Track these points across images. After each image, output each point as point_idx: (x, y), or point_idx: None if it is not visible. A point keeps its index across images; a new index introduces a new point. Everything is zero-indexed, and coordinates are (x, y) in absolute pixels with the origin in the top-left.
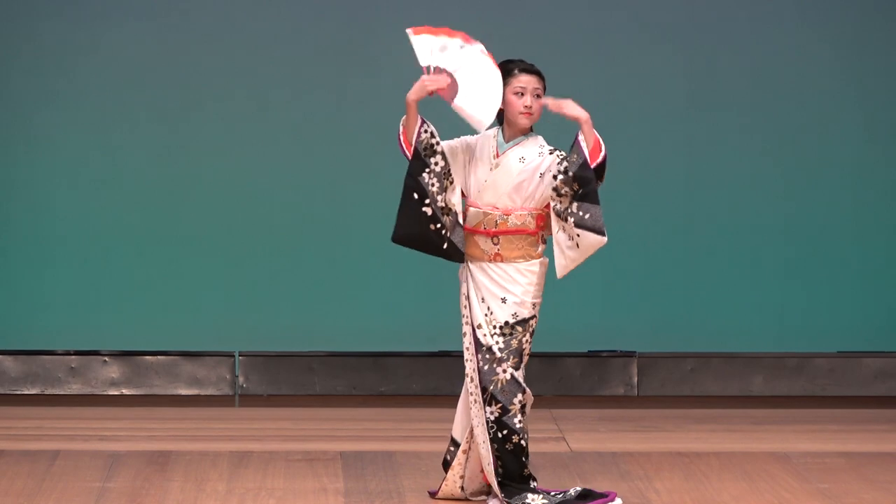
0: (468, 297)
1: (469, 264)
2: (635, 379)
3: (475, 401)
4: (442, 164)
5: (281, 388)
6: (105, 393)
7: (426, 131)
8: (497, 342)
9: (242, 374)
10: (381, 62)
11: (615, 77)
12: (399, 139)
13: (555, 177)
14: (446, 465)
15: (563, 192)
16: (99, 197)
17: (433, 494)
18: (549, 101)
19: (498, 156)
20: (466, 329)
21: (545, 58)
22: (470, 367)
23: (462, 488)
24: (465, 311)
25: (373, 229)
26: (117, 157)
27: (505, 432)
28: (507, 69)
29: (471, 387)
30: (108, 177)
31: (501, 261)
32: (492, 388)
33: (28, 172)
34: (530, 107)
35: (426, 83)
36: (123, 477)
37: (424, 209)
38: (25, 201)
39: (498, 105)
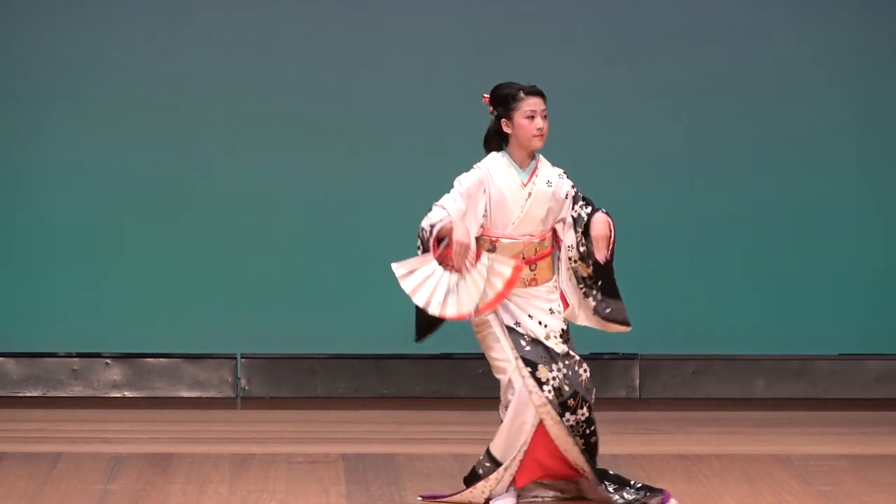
0: (517, 322)
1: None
2: (637, 381)
3: (554, 411)
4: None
5: (283, 391)
6: (107, 395)
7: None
8: (571, 346)
9: (244, 376)
10: (382, 67)
11: (616, 79)
12: (425, 234)
13: (581, 221)
14: (476, 477)
15: (581, 250)
16: (101, 200)
17: (434, 498)
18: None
19: (525, 185)
20: (528, 347)
21: (541, 60)
22: (550, 376)
23: (488, 500)
24: (521, 329)
25: (374, 231)
26: (119, 161)
27: (592, 428)
28: (512, 94)
29: (548, 396)
30: (109, 180)
31: (536, 284)
32: (582, 390)
33: (31, 176)
34: (542, 128)
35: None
36: (125, 479)
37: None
38: (28, 205)
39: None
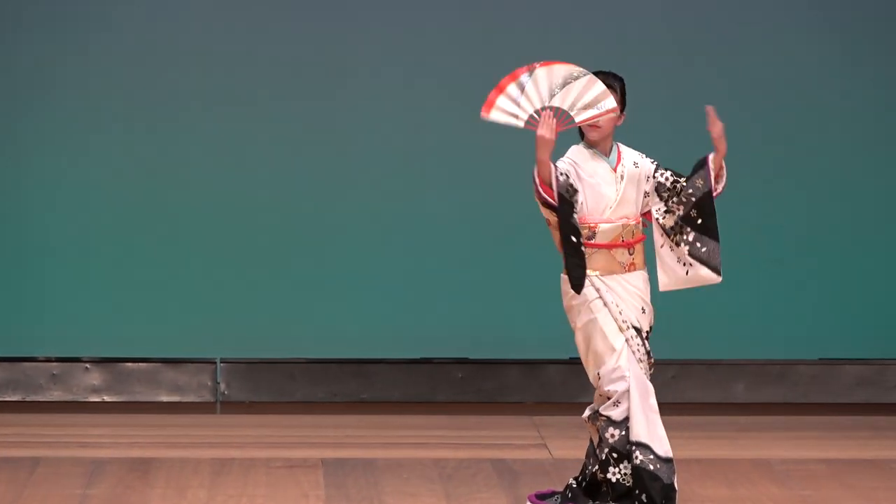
0: (618, 306)
1: (602, 278)
2: None
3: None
4: (580, 199)
5: (262, 395)
6: (86, 400)
7: (562, 174)
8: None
9: (224, 381)
10: (369, 67)
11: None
12: (537, 188)
13: (663, 187)
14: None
15: (671, 207)
16: (80, 204)
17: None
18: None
19: (616, 170)
20: (628, 334)
21: (527, 59)
22: (644, 369)
23: None
24: (622, 316)
25: (354, 236)
26: (98, 165)
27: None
28: None
29: (643, 390)
30: (88, 184)
31: (634, 269)
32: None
33: (9, 179)
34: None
35: (545, 135)
36: (105, 484)
37: (582, 248)
38: (7, 209)
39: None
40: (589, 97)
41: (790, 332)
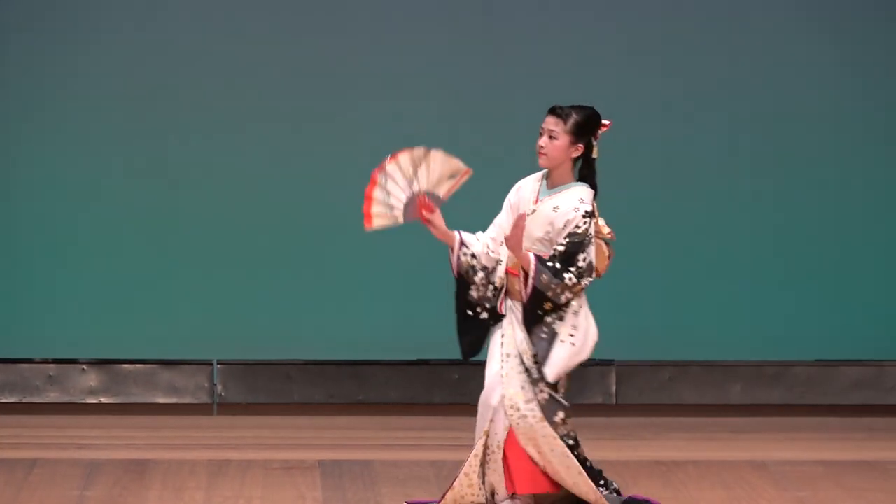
0: (503, 328)
1: (508, 300)
2: (613, 387)
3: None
4: (483, 275)
5: (259, 397)
6: (83, 401)
7: (465, 254)
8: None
9: (220, 382)
10: (366, 72)
11: (593, 78)
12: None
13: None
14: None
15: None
16: (77, 206)
17: None
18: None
19: (536, 202)
20: (511, 351)
21: (526, 62)
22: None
23: None
24: (502, 340)
25: (351, 238)
26: (95, 168)
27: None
28: None
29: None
30: (86, 187)
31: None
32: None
33: (5, 182)
34: (542, 146)
35: (427, 218)
36: (101, 485)
37: (482, 316)
38: (2, 211)
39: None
40: (439, 171)
41: (787, 334)
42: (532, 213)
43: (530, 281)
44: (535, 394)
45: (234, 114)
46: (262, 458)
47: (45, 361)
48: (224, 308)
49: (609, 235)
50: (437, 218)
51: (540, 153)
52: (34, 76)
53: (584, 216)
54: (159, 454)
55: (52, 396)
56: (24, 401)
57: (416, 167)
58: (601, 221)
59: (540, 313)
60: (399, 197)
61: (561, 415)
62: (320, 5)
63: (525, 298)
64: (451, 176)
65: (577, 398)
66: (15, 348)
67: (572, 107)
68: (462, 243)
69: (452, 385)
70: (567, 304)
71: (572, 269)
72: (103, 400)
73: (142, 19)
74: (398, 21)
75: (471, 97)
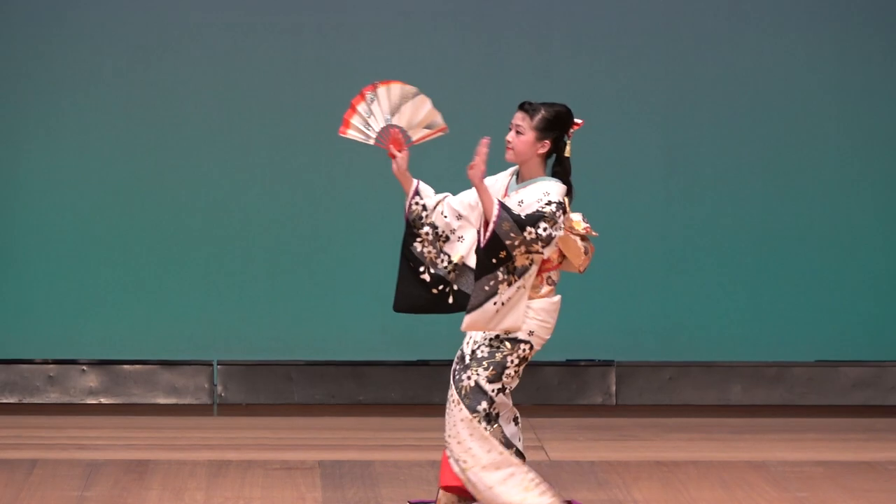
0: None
1: None
2: (613, 388)
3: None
4: (431, 231)
5: (259, 397)
6: (83, 402)
7: (417, 203)
8: (482, 351)
9: (221, 382)
10: (360, 72)
11: (593, 82)
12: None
13: None
14: None
15: None
16: (77, 206)
17: None
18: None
19: (505, 195)
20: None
21: (523, 62)
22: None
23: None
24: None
25: (351, 239)
26: (95, 167)
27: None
28: None
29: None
30: (87, 187)
31: None
32: (460, 394)
33: (6, 183)
34: (508, 141)
35: (394, 157)
36: (101, 486)
37: (422, 276)
38: (3, 211)
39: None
40: (420, 116)
41: (787, 334)
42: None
43: (491, 225)
44: (463, 379)
45: (235, 114)
46: (262, 458)
47: (46, 362)
48: (224, 309)
49: (586, 231)
50: (403, 159)
51: (507, 147)
52: (35, 77)
53: (548, 203)
54: (159, 455)
55: (53, 397)
56: (25, 401)
57: (402, 101)
58: (577, 217)
59: (494, 262)
60: (378, 119)
61: (484, 405)
62: (322, 9)
63: (483, 243)
64: (428, 126)
65: (577, 398)
66: (15, 349)
67: (543, 104)
68: (417, 192)
69: None
70: (520, 267)
71: (533, 228)
72: (103, 400)
73: (144, 22)
74: (398, 24)
75: (471, 97)
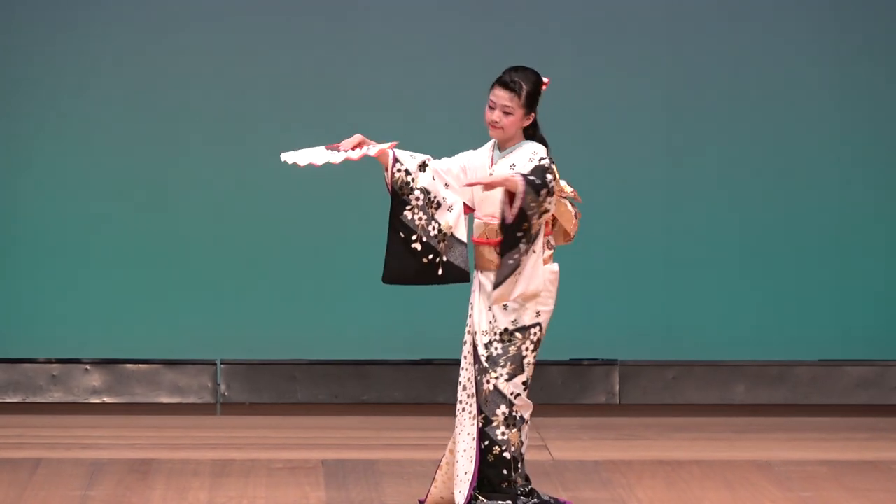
0: (473, 306)
1: (479, 274)
2: (617, 387)
3: (463, 409)
4: (423, 196)
5: (263, 397)
6: (87, 401)
7: (399, 170)
8: (496, 349)
9: (224, 382)
10: (361, 73)
11: (595, 77)
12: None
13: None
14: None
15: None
16: (80, 206)
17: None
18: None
19: (492, 165)
20: (468, 338)
21: (523, 61)
22: (465, 376)
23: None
24: (469, 320)
25: (354, 238)
26: (98, 166)
27: (486, 443)
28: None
29: (462, 395)
30: (89, 186)
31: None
32: (480, 398)
33: (7, 181)
34: (496, 122)
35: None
36: (105, 485)
37: (413, 245)
38: (5, 211)
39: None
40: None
41: (790, 334)
42: (490, 176)
43: (518, 202)
44: (483, 383)
45: (236, 115)
46: (265, 457)
47: (49, 361)
48: (228, 308)
49: (573, 195)
50: (372, 147)
51: (494, 127)
52: (35, 77)
53: (540, 158)
54: (163, 454)
55: (56, 396)
56: (28, 401)
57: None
58: (563, 182)
59: (519, 235)
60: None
61: (503, 408)
62: (324, 14)
63: (511, 219)
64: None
65: (580, 398)
66: (18, 348)
67: (518, 75)
68: (396, 159)
69: (456, 385)
70: (534, 233)
71: (543, 186)
72: (107, 400)
73: (145, 23)
74: (404, 26)
75: (471, 99)
